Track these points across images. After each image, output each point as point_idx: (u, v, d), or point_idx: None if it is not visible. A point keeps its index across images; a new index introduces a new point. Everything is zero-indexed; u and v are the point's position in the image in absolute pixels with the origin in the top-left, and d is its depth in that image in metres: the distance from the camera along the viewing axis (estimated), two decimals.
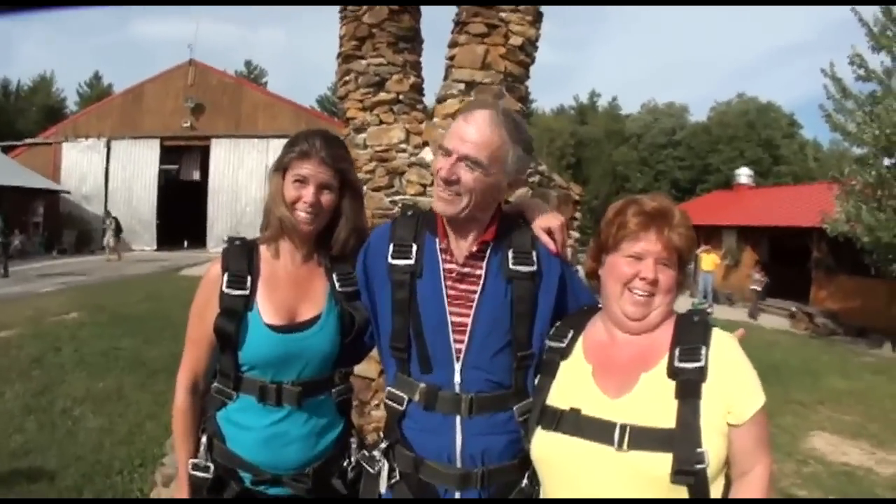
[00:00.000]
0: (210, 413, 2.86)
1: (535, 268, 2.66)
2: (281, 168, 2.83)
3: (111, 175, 43.49)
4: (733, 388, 2.22)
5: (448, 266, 2.68)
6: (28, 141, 45.90)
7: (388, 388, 2.78)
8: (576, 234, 6.38)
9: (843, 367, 15.23)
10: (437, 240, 2.72)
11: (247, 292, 2.76)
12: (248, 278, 2.79)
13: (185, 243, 42.58)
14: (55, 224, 40.22)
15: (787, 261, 29.92)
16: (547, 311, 2.66)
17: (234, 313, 2.73)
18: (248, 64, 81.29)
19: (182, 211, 42.86)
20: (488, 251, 2.68)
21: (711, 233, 35.21)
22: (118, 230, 36.31)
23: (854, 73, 19.83)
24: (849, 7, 19.67)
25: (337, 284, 2.86)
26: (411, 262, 2.70)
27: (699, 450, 2.12)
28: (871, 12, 19.16)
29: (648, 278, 2.33)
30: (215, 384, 2.85)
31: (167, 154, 44.17)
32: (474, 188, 2.56)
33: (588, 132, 72.43)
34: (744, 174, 43.06)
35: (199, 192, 43.75)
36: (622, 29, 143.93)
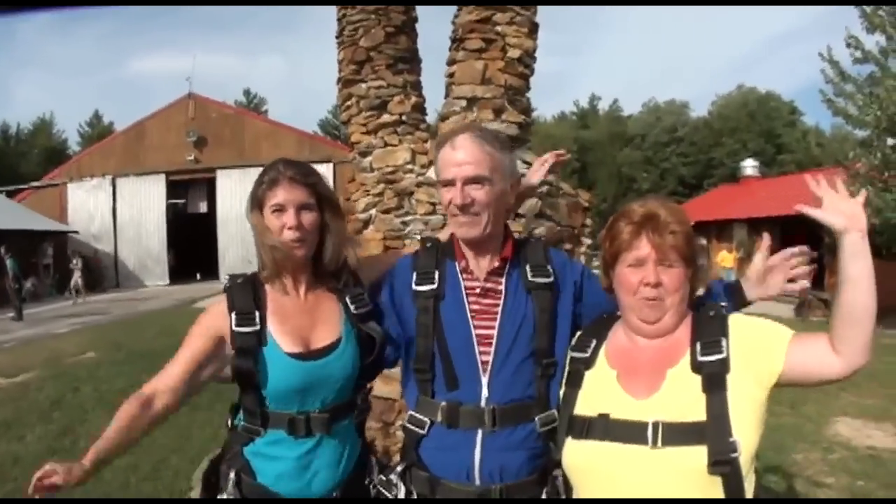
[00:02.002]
0: (236, 448, 2.84)
1: (551, 279, 2.75)
2: (256, 205, 2.86)
3: (119, 213, 43.65)
4: (756, 360, 2.29)
5: (470, 284, 2.79)
6: (33, 184, 46.18)
7: (410, 412, 2.84)
8: (587, 241, 6.39)
9: None
10: (457, 263, 2.81)
11: (257, 327, 2.74)
12: (257, 313, 2.77)
13: (198, 276, 42.65)
14: (65, 265, 40.37)
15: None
16: (567, 319, 2.75)
17: (249, 351, 2.71)
18: (247, 93, 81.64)
19: (192, 244, 43.00)
20: (507, 267, 2.77)
21: (722, 227, 35.19)
22: (87, 270, 35.61)
23: (851, 55, 19.81)
24: None
25: (351, 307, 2.87)
26: (434, 286, 2.80)
27: (731, 439, 2.16)
28: None
29: (651, 282, 2.37)
30: (242, 423, 2.83)
31: (173, 188, 44.33)
32: (488, 203, 2.70)
33: (591, 136, 72.60)
34: (749, 166, 43.09)
35: (208, 223, 43.89)
36: (617, 31, 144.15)
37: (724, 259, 28.24)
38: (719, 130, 67.71)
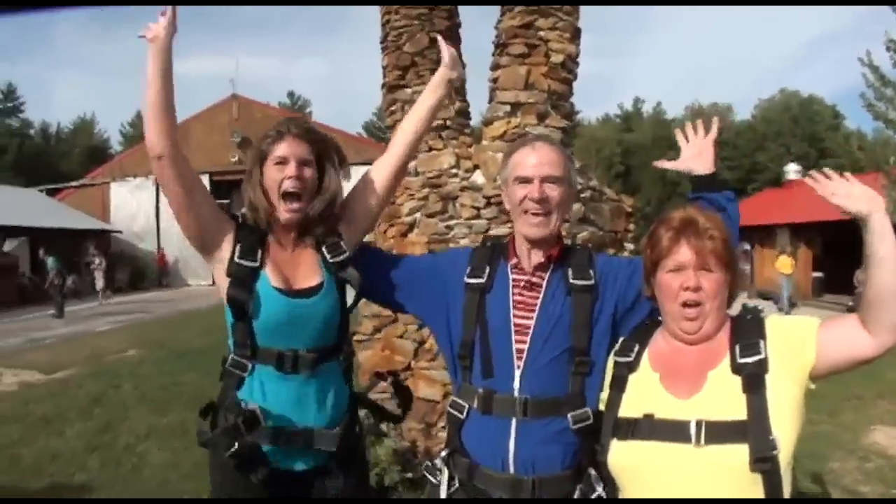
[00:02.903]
0: (230, 394, 2.91)
1: (592, 282, 2.80)
2: (258, 158, 2.99)
3: (162, 212, 44.01)
4: (791, 357, 2.34)
5: (517, 277, 2.88)
6: (75, 183, 46.64)
7: (452, 397, 2.96)
8: (630, 246, 6.38)
9: None
10: (508, 261, 2.93)
11: (257, 264, 2.88)
12: (259, 251, 2.91)
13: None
14: (108, 263, 40.74)
15: (841, 255, 29.50)
16: (606, 321, 2.79)
17: (244, 282, 2.85)
18: (290, 95, 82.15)
19: None
20: (552, 265, 2.85)
21: (765, 232, 34.88)
22: (109, 268, 35.22)
23: (891, 59, 19.54)
24: None
25: (328, 256, 2.98)
26: (483, 280, 2.91)
27: (771, 437, 2.20)
28: None
29: (691, 286, 2.39)
30: (232, 357, 2.94)
31: (217, 189, 44.37)
32: (560, 202, 2.84)
33: (635, 139, 72.28)
34: (792, 170, 42.70)
35: None
36: (660, 33, 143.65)
37: (783, 265, 27.72)
38: (763, 134, 67.23)
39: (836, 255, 30.04)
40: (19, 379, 13.72)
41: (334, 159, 3.13)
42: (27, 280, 33.86)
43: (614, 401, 2.54)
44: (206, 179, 43.03)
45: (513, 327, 2.78)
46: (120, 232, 43.41)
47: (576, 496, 2.69)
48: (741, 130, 69.92)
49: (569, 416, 2.69)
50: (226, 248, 2.92)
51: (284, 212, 2.91)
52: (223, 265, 2.91)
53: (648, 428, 2.36)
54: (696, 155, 3.03)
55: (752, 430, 2.21)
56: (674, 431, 2.30)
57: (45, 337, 20.26)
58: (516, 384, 2.72)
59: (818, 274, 31.77)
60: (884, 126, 20.88)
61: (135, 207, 44.12)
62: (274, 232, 3.00)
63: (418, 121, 3.28)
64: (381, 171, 3.24)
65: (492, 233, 5.59)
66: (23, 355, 16.57)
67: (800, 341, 2.34)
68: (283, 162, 2.91)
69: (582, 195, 5.56)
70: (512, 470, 2.69)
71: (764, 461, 2.18)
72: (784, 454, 2.21)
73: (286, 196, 2.91)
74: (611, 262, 2.95)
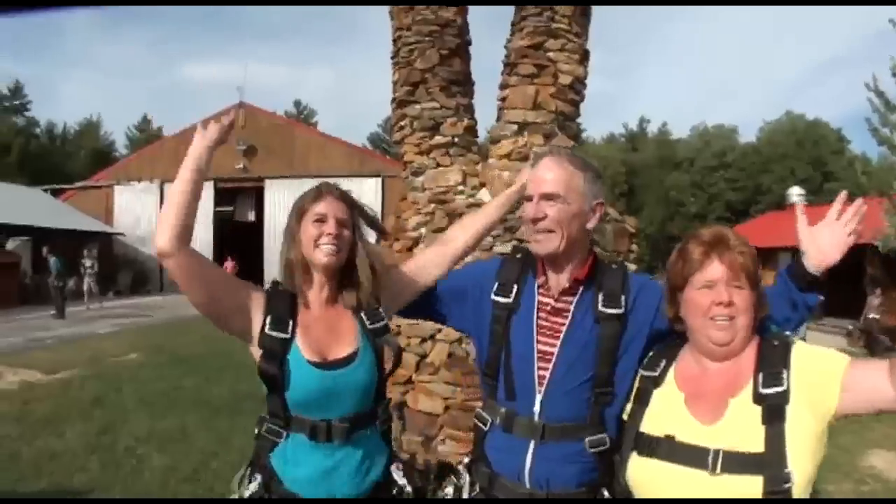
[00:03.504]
0: (263, 456, 2.95)
1: (622, 311, 2.80)
2: (298, 214, 3.02)
3: None
4: (815, 393, 2.33)
5: (543, 300, 2.90)
6: (79, 184, 46.65)
7: (478, 409, 3.05)
8: (633, 266, 6.41)
9: None
10: (536, 278, 2.93)
11: (288, 336, 2.87)
12: (290, 322, 2.90)
13: None
14: (110, 266, 40.70)
15: (842, 279, 29.39)
16: (634, 353, 2.79)
17: (275, 356, 2.84)
18: (297, 104, 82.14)
19: (239, 252, 43.26)
20: (580, 289, 2.85)
21: (767, 255, 34.82)
22: (110, 272, 34.50)
23: None
24: (887, 18, 19.46)
25: (367, 323, 2.99)
26: (510, 300, 2.94)
27: (786, 470, 2.24)
28: None
29: (724, 301, 2.42)
30: (267, 424, 2.94)
31: (221, 196, 44.54)
32: (560, 219, 2.79)
33: (639, 159, 72.21)
34: (795, 193, 42.61)
35: (255, 233, 44.13)
36: (667, 54, 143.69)
37: None
38: (767, 157, 67.08)
39: (837, 278, 29.79)
40: (20, 378, 13.69)
41: (374, 225, 3.21)
42: (29, 280, 33.84)
43: (637, 414, 2.60)
44: (210, 187, 43.18)
45: (536, 354, 2.81)
46: (123, 235, 43.41)
47: None
48: (746, 153, 69.80)
49: (586, 440, 2.73)
50: (256, 320, 2.92)
51: (322, 256, 2.92)
52: (255, 337, 2.91)
53: (669, 450, 2.41)
54: (831, 245, 2.85)
55: (767, 463, 2.25)
56: (693, 457, 2.34)
57: (46, 337, 20.25)
58: (536, 408, 2.77)
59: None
60: (888, 151, 20.87)
61: (139, 211, 44.10)
62: (307, 293, 3.01)
63: (478, 232, 3.35)
64: (437, 261, 3.27)
65: (496, 250, 5.63)
66: (24, 355, 16.56)
67: (826, 378, 2.33)
68: (321, 220, 2.95)
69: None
70: (528, 485, 2.75)
71: (776, 493, 2.22)
72: (798, 487, 2.25)
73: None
74: (647, 287, 2.90)
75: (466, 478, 2.97)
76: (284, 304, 2.95)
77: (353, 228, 3.04)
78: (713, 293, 2.44)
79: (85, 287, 30.86)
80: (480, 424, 2.97)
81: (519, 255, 3.09)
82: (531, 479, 2.75)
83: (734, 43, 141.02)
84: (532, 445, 2.76)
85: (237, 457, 8.08)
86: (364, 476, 2.95)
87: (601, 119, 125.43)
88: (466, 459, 3.05)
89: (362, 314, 3.01)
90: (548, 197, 2.80)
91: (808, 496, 2.33)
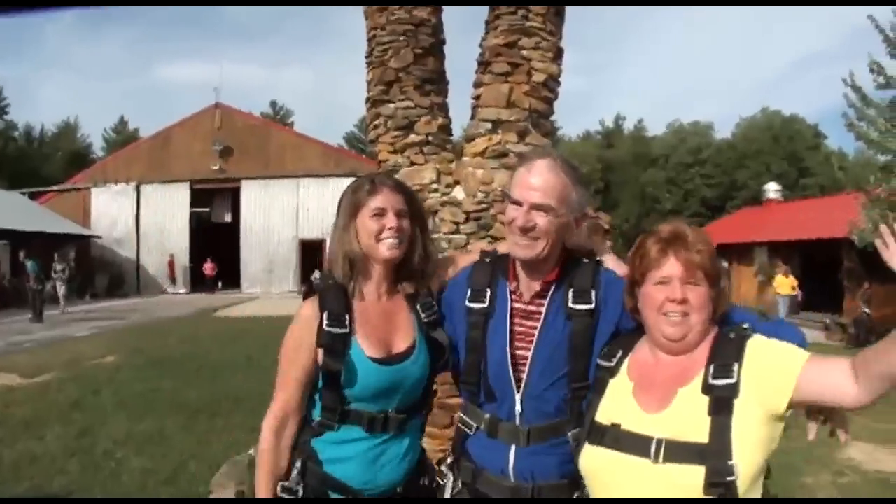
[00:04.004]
0: (305, 437, 2.92)
1: (592, 306, 2.79)
2: (353, 210, 2.95)
3: (142, 219, 44.00)
4: (766, 388, 2.32)
5: (516, 305, 2.89)
6: (56, 187, 46.53)
7: (461, 414, 3.02)
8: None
9: None
10: (508, 282, 2.93)
11: (346, 330, 2.83)
12: (347, 317, 2.86)
13: (220, 284, 42.83)
14: (87, 269, 40.53)
15: (819, 273, 29.63)
16: (603, 344, 2.78)
17: (337, 352, 2.80)
18: (273, 104, 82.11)
19: (215, 253, 43.20)
20: (551, 290, 2.84)
21: (743, 250, 35.10)
22: (74, 276, 33.34)
23: (874, 80, 19.60)
24: (865, 14, 19.55)
25: (423, 315, 2.99)
26: (485, 305, 2.92)
27: (730, 462, 2.22)
28: (887, 18, 19.04)
29: (678, 298, 2.43)
30: (319, 418, 2.90)
31: (198, 197, 44.59)
32: (549, 230, 2.75)
33: (615, 156, 72.51)
34: (771, 189, 42.87)
35: (231, 233, 44.16)
36: (642, 51, 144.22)
37: (781, 284, 26.59)
38: (743, 153, 67.52)
39: (814, 273, 30.15)
40: None
41: (423, 215, 3.15)
42: (7, 283, 33.67)
43: (593, 403, 2.60)
44: (186, 188, 43.13)
45: (510, 359, 2.80)
46: (100, 237, 43.27)
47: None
48: (722, 148, 70.20)
49: (569, 434, 2.74)
50: (315, 318, 2.87)
51: (385, 250, 2.89)
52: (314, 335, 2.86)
53: (614, 437, 2.42)
54: None
55: (711, 454, 2.24)
56: (636, 445, 2.35)
57: (25, 341, 20.29)
58: (517, 409, 2.78)
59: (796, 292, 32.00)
60: (865, 146, 20.98)
61: (115, 213, 44.10)
62: (364, 285, 2.97)
63: None
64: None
65: (470, 247, 5.64)
66: (2, 358, 16.60)
67: (781, 373, 2.31)
68: (380, 213, 2.90)
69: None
70: (512, 478, 2.76)
71: (718, 486, 2.21)
72: (744, 479, 2.23)
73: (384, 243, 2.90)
74: (615, 284, 2.84)
75: (450, 477, 2.97)
76: (338, 299, 2.90)
77: (412, 218, 3.00)
78: (668, 289, 2.46)
79: (56, 292, 30.10)
80: (464, 428, 2.96)
81: (488, 260, 3.08)
82: (515, 472, 2.76)
83: (710, 39, 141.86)
84: (514, 447, 2.78)
85: (215, 458, 8.09)
86: (403, 466, 2.96)
87: (577, 116, 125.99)
88: (449, 460, 3.03)
89: (418, 306, 3.01)
90: (541, 208, 2.74)
91: (757, 491, 2.34)
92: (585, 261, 2.93)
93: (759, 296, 32.40)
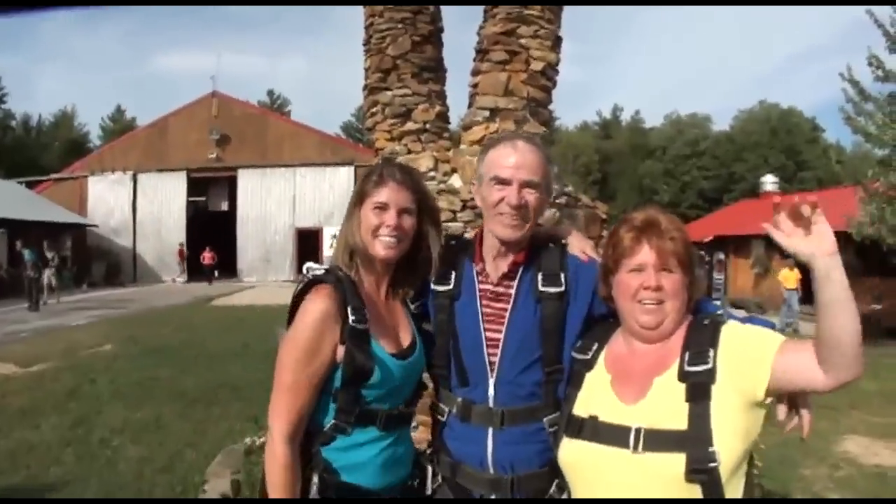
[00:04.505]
0: (315, 449, 2.72)
1: (563, 288, 2.78)
2: (358, 199, 2.85)
3: (139, 208, 43.92)
4: (742, 372, 2.29)
5: (483, 287, 2.86)
6: (53, 176, 46.45)
7: (433, 400, 3.00)
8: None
9: (873, 369, 14.78)
10: (474, 264, 2.91)
11: (367, 326, 2.66)
12: (365, 310, 2.68)
13: (216, 273, 42.80)
14: (84, 258, 40.48)
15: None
16: (575, 328, 2.77)
17: (363, 348, 2.64)
18: (270, 93, 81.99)
19: (211, 241, 43.12)
20: (519, 272, 2.83)
21: (740, 243, 35.04)
22: (61, 268, 32.01)
23: (872, 73, 19.60)
24: (863, 8, 19.54)
25: (411, 307, 2.97)
26: (450, 287, 2.90)
27: (711, 449, 2.21)
28: (886, 13, 19.03)
29: (652, 286, 2.42)
30: (332, 422, 2.71)
31: (194, 186, 44.51)
32: (538, 208, 2.80)
33: (612, 147, 72.64)
34: (769, 182, 42.80)
35: (227, 222, 44.12)
36: (641, 43, 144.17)
37: (787, 279, 25.66)
38: (741, 145, 67.58)
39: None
40: None
41: (435, 213, 3.02)
42: (4, 272, 33.61)
43: (570, 397, 2.60)
44: (183, 177, 43.06)
45: (484, 341, 2.78)
46: (96, 226, 43.20)
47: (551, 491, 2.74)
48: (719, 141, 70.24)
49: (544, 420, 2.73)
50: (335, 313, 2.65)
51: (381, 249, 2.77)
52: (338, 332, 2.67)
53: (592, 429, 2.41)
54: None
55: (690, 441, 2.23)
56: (614, 436, 2.34)
57: (22, 330, 20.25)
58: (491, 392, 2.75)
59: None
60: (863, 140, 20.98)
61: (112, 202, 43.99)
62: (367, 279, 2.86)
63: None
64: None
65: (467, 236, 5.64)
66: None
67: (755, 358, 2.29)
68: (382, 208, 2.77)
69: (557, 201, 5.61)
70: (491, 470, 2.74)
71: (700, 472, 2.20)
72: (725, 466, 2.22)
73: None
74: (584, 267, 2.83)
75: (429, 469, 2.95)
76: (355, 293, 2.72)
77: (418, 215, 2.88)
78: (642, 277, 2.45)
79: (45, 281, 28.87)
80: (437, 415, 2.94)
81: (453, 242, 3.08)
82: (494, 463, 2.74)
83: (709, 31, 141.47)
84: (490, 432, 2.75)
85: (212, 447, 8.08)
86: (411, 460, 2.94)
87: (575, 107, 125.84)
88: (428, 451, 3.01)
89: (407, 299, 2.97)
90: (530, 185, 2.75)
91: (740, 481, 2.32)
92: (551, 245, 2.93)
93: (756, 288, 32.42)
